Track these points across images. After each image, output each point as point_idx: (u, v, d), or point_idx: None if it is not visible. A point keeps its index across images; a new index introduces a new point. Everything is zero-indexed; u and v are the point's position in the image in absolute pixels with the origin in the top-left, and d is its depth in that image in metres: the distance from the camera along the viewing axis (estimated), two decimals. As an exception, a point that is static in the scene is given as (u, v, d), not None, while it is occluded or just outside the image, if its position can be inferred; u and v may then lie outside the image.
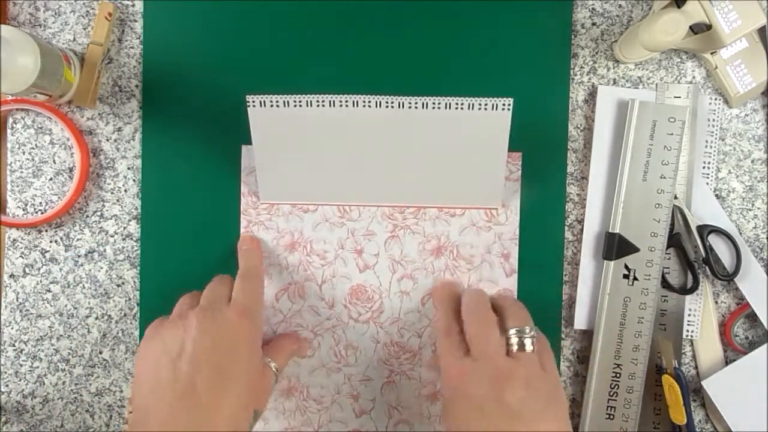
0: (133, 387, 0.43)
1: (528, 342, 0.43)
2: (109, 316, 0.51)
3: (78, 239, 0.51)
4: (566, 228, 0.51)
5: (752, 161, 0.51)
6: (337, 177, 0.49)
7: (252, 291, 0.47)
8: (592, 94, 0.51)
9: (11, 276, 0.51)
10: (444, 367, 0.45)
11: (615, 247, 0.49)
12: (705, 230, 0.49)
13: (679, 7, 0.46)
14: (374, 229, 0.51)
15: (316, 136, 0.47)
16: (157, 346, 0.43)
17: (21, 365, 0.51)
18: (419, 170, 0.49)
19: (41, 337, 0.51)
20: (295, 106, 0.45)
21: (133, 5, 0.50)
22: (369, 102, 0.48)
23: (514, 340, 0.43)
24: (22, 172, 0.51)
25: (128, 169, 0.51)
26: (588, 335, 0.51)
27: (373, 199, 0.50)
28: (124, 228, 0.51)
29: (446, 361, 0.44)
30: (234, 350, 0.43)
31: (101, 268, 0.51)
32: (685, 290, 0.50)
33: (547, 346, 0.45)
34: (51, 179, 0.51)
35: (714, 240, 0.49)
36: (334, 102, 0.47)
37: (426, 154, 0.49)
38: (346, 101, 0.47)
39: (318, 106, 0.46)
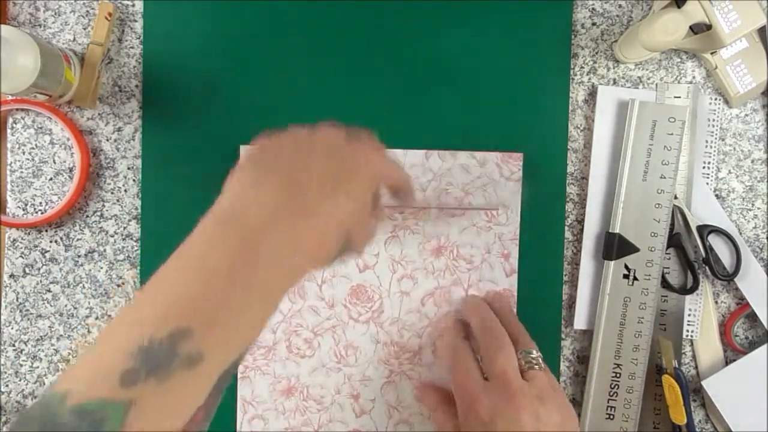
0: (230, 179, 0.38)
1: (537, 361, 0.44)
2: (109, 316, 0.51)
3: (78, 239, 0.51)
4: (566, 228, 0.51)
5: (752, 161, 0.51)
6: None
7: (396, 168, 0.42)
8: (592, 94, 0.51)
9: (11, 276, 0.51)
10: (457, 387, 0.45)
11: (615, 247, 0.49)
12: (705, 230, 0.49)
13: (679, 7, 0.46)
14: (374, 229, 0.51)
15: None
16: (274, 142, 0.39)
17: (21, 365, 0.51)
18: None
19: (41, 337, 0.51)
20: None
21: (133, 5, 0.50)
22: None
23: (524, 361, 0.44)
24: (22, 172, 0.51)
25: (128, 169, 0.51)
26: (588, 335, 0.51)
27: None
28: (124, 228, 0.51)
29: (460, 382, 0.45)
30: (353, 174, 0.38)
31: (101, 268, 0.51)
32: (685, 290, 0.50)
33: (547, 368, 0.46)
34: (51, 179, 0.51)
35: (714, 240, 0.49)
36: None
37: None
38: None
39: None
